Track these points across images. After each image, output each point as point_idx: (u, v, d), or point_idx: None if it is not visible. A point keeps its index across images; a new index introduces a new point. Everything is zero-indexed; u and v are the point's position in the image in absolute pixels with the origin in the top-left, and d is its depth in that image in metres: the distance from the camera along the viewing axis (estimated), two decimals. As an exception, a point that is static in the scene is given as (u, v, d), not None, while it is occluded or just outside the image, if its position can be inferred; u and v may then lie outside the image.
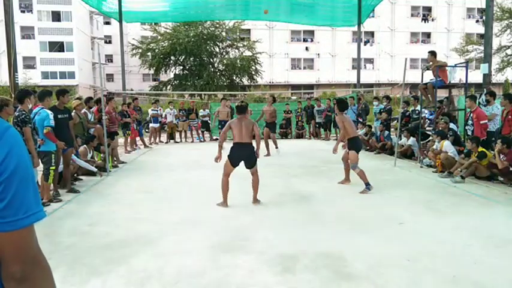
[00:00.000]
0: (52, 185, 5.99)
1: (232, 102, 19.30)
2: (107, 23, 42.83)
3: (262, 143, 10.24)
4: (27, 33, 38.27)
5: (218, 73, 28.28)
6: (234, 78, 28.19)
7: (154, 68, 27.44)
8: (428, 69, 9.58)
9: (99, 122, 8.74)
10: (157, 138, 14.95)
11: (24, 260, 0.87)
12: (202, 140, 15.55)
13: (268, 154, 10.60)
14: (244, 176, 7.15)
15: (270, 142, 10.96)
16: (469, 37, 33.97)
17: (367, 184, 6.23)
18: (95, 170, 7.86)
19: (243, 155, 5.57)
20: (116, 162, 9.50)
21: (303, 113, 16.47)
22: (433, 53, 9.40)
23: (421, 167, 8.77)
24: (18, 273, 0.86)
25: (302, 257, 3.62)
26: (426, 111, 10.48)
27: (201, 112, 15.70)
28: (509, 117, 7.33)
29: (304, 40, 42.37)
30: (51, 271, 0.94)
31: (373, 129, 12.41)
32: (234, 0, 16.69)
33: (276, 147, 10.79)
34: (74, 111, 7.85)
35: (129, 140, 12.12)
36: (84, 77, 40.14)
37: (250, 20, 22.84)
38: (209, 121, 15.53)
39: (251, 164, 5.61)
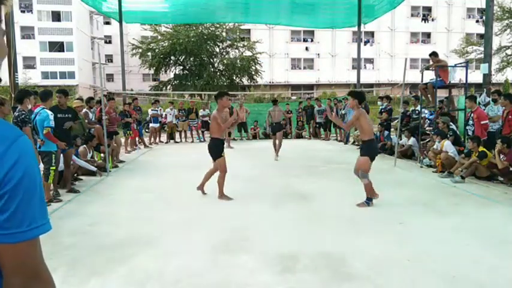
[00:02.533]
0: (52, 185, 5.99)
1: (233, 102, 19.29)
2: (107, 23, 42.79)
3: None
4: (27, 33, 38.24)
5: (218, 73, 28.27)
6: (234, 78, 28.19)
7: (154, 68, 27.43)
8: (428, 69, 9.59)
9: (99, 122, 8.75)
10: (157, 138, 14.96)
11: (24, 273, 0.84)
12: (202, 140, 15.55)
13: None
14: (245, 177, 7.15)
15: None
16: (468, 38, 33.92)
17: (369, 199, 5.46)
18: (95, 169, 7.87)
19: (208, 147, 6.00)
20: (115, 162, 9.50)
21: (303, 113, 16.48)
22: (435, 54, 9.38)
23: (421, 167, 8.77)
24: (17, 287, 0.84)
25: (302, 257, 3.62)
26: (426, 111, 10.48)
27: (201, 112, 15.70)
28: (510, 117, 7.33)
29: (304, 40, 42.34)
30: (54, 286, 0.91)
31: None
32: (234, 2, 16.66)
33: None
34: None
35: (129, 140, 12.13)
36: (84, 77, 40.12)
37: (250, 23, 22.83)
38: (209, 121, 15.50)
39: (212, 156, 5.94)
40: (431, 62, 9.58)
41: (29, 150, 0.85)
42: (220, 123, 5.80)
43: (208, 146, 6.02)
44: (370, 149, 5.40)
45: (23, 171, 0.82)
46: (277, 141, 10.52)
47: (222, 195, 5.91)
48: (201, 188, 6.17)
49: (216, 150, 5.88)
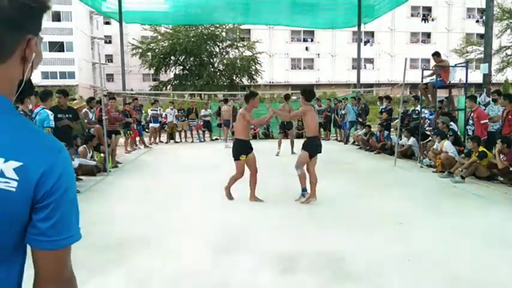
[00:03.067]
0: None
1: (234, 102, 19.34)
2: (107, 23, 42.75)
3: None
4: (27, 33, 38.22)
5: (218, 73, 28.28)
6: (234, 78, 28.20)
7: (154, 68, 27.44)
8: (431, 75, 9.58)
9: (99, 122, 8.75)
10: (157, 138, 14.96)
11: (59, 279, 0.88)
12: (202, 140, 15.55)
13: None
14: (245, 177, 7.13)
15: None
16: (468, 38, 33.91)
17: (304, 189, 5.79)
18: (94, 163, 7.91)
19: (232, 148, 5.90)
20: (115, 162, 9.51)
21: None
22: (437, 54, 9.37)
23: (421, 167, 8.77)
24: None
25: (302, 257, 3.62)
26: (426, 111, 10.48)
27: (202, 112, 15.70)
28: (510, 117, 7.33)
29: (304, 40, 42.34)
30: None
31: (373, 129, 12.42)
32: (234, 3, 16.66)
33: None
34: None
35: (129, 140, 12.13)
36: (84, 77, 40.12)
37: (250, 23, 22.82)
38: (211, 121, 15.59)
39: (233, 157, 5.84)
40: (432, 62, 9.59)
41: (70, 161, 0.90)
42: (250, 120, 5.77)
43: (232, 146, 5.93)
44: (312, 145, 5.80)
45: (68, 182, 0.87)
46: (283, 140, 10.82)
47: (226, 189, 5.90)
48: (252, 198, 5.85)
49: (236, 151, 5.74)
